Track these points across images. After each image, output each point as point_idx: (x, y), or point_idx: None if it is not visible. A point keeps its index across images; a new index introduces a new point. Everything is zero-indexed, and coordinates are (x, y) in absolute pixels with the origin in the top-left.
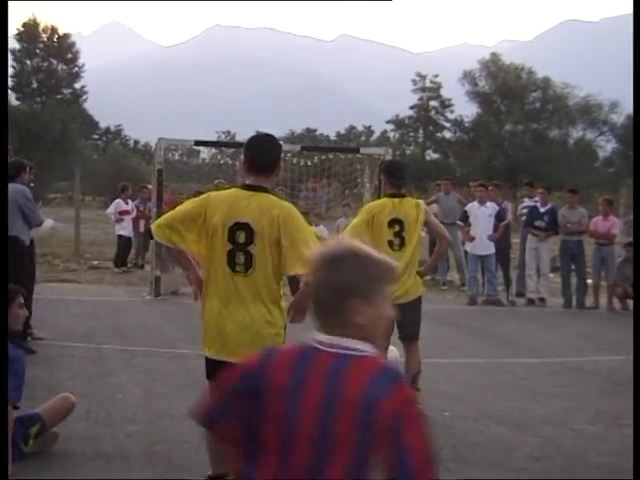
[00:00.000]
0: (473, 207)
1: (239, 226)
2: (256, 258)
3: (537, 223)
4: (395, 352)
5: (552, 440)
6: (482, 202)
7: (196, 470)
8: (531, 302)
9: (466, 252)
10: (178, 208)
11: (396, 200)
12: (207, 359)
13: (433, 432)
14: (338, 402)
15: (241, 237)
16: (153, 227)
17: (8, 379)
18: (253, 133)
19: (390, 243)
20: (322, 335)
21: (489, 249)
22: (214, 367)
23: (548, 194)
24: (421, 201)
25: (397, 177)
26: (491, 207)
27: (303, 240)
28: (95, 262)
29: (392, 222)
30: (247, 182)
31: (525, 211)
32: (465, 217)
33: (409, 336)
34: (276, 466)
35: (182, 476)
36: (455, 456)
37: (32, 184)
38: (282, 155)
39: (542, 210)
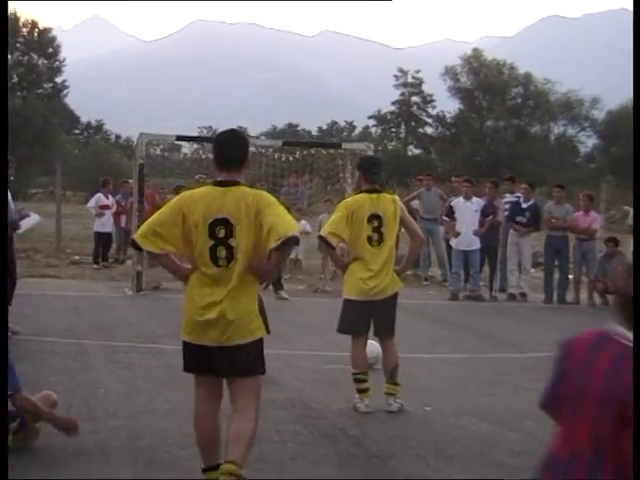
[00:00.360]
0: (459, 202)
1: (218, 222)
2: (237, 250)
3: (518, 219)
4: (377, 347)
5: (534, 435)
6: (468, 197)
7: (179, 466)
8: (512, 297)
9: (449, 247)
10: (155, 215)
11: (374, 196)
12: (186, 344)
13: (414, 427)
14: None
15: (221, 232)
16: (137, 238)
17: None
18: (234, 127)
19: (369, 239)
20: (618, 327)
21: (474, 244)
22: (192, 352)
23: (531, 190)
24: (397, 197)
25: (372, 172)
26: (477, 202)
27: (277, 211)
28: (76, 257)
29: (371, 218)
30: (219, 179)
31: (507, 206)
32: (451, 212)
33: (386, 332)
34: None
35: (164, 472)
36: (436, 451)
37: (12, 178)
38: (264, 150)
39: (524, 206)
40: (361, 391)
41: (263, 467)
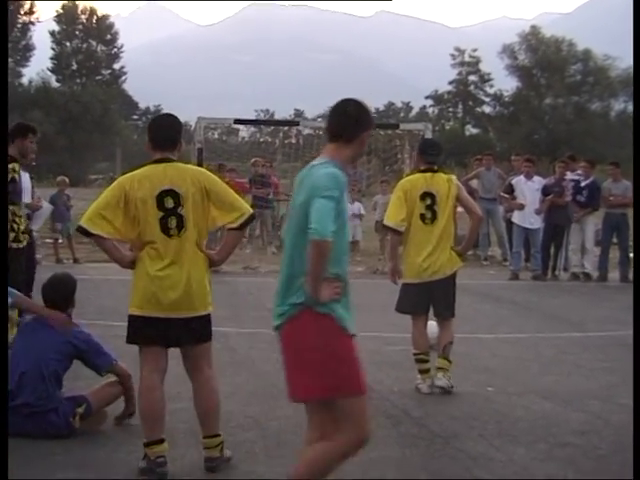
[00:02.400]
0: (520, 181)
1: (165, 193)
2: (186, 219)
3: (577, 198)
4: (435, 327)
5: (598, 415)
6: (529, 176)
7: (241, 448)
8: (575, 277)
9: (509, 227)
10: (98, 199)
11: (428, 175)
12: (137, 317)
13: (477, 408)
14: None
15: (169, 202)
16: (84, 222)
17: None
18: (292, 111)
19: (422, 216)
20: None
21: (536, 223)
22: (151, 325)
23: (591, 168)
24: (453, 176)
25: (429, 154)
26: (538, 181)
27: (227, 193)
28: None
29: (424, 195)
30: (155, 158)
31: (572, 185)
32: (510, 190)
33: (445, 311)
34: None
35: (229, 454)
36: (499, 431)
37: (33, 163)
38: (321, 133)
39: (583, 184)
40: (423, 372)
41: None
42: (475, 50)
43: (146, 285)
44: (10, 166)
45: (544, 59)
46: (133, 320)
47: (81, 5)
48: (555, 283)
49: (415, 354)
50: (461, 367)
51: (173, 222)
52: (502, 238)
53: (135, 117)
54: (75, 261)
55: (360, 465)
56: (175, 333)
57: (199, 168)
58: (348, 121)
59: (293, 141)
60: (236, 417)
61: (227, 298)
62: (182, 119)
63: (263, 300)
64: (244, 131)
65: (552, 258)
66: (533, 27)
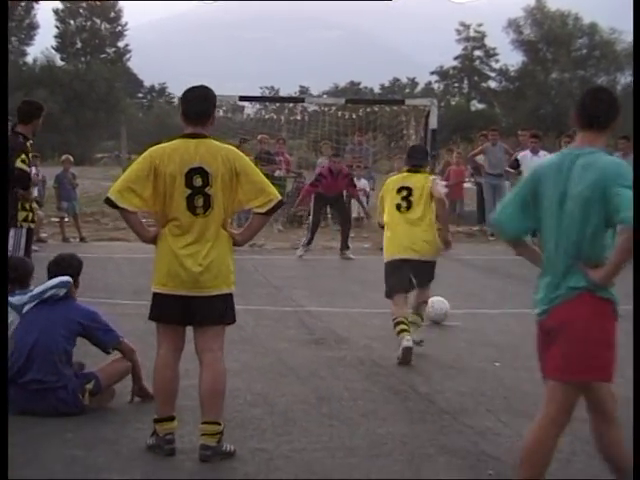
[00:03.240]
0: (525, 156)
1: (194, 171)
2: (213, 198)
3: None
4: (445, 304)
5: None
6: (535, 152)
7: (250, 424)
8: None
9: None
10: (128, 171)
11: (408, 174)
12: (160, 295)
13: (484, 383)
14: None
15: (198, 181)
16: (111, 194)
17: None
18: (297, 88)
19: (398, 206)
20: None
21: None
22: (172, 303)
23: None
24: (432, 176)
25: (415, 157)
26: (544, 156)
27: (257, 176)
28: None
29: (400, 189)
30: (187, 132)
31: None
32: (516, 165)
33: (425, 284)
34: None
35: (236, 431)
36: (507, 407)
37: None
38: (327, 109)
39: None
40: (401, 331)
41: (334, 424)
42: (480, 25)
43: (170, 262)
44: (22, 157)
45: (550, 33)
46: (156, 297)
47: None
48: None
49: (394, 319)
50: (468, 342)
51: (200, 201)
52: None
53: (140, 95)
54: (82, 240)
55: (368, 441)
56: (196, 311)
57: (231, 148)
58: (604, 108)
59: (298, 118)
60: (243, 394)
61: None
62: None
63: (269, 277)
64: (249, 108)
65: None
66: (538, 1)
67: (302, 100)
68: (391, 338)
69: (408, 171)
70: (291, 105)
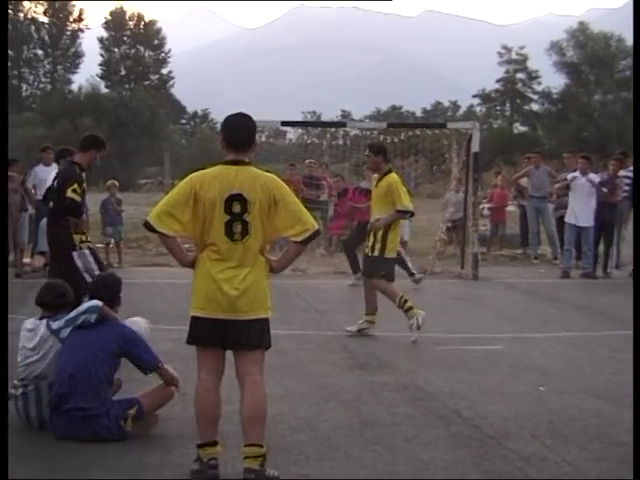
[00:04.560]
0: (577, 177)
1: (233, 198)
2: (251, 225)
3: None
4: None
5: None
6: (584, 173)
7: (291, 451)
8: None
9: (560, 225)
10: (168, 195)
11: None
12: (198, 319)
13: (529, 408)
14: None
15: (236, 207)
16: (151, 219)
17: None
18: (338, 112)
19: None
20: None
21: (589, 221)
22: (210, 327)
23: None
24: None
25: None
26: (594, 178)
27: (295, 205)
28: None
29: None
30: (228, 158)
31: (627, 181)
32: (567, 186)
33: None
34: None
35: (279, 456)
36: (552, 431)
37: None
38: (369, 133)
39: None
40: (409, 309)
41: (377, 449)
42: (522, 48)
43: (207, 286)
44: (74, 186)
45: (593, 55)
46: (194, 321)
47: (129, 11)
48: (607, 281)
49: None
50: (512, 366)
51: (238, 227)
52: (552, 236)
53: (183, 121)
54: (120, 265)
55: (411, 466)
56: (233, 334)
57: (271, 175)
58: None
59: (340, 142)
60: (287, 419)
61: (276, 300)
62: None
63: (312, 302)
64: (291, 133)
65: (603, 256)
66: (581, 23)
67: (344, 125)
68: (434, 363)
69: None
70: (333, 130)
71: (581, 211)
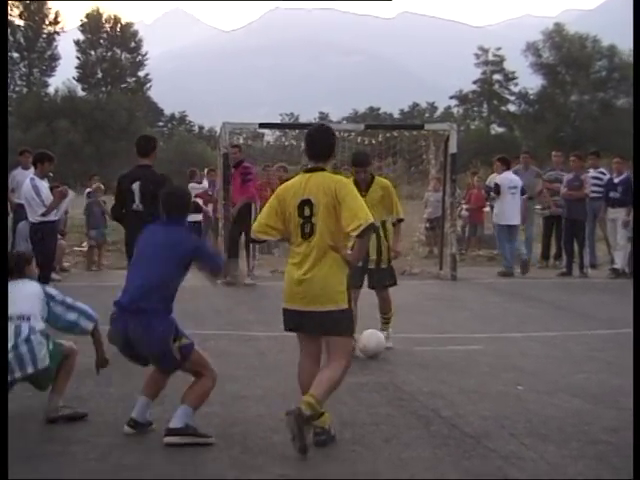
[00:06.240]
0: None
1: (304, 203)
2: (316, 226)
3: (611, 194)
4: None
5: (630, 412)
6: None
7: (271, 452)
8: (616, 273)
9: (549, 223)
10: (263, 210)
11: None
12: (286, 310)
13: (507, 407)
14: None
15: (307, 211)
16: (254, 235)
17: None
18: (317, 114)
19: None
20: None
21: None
22: (291, 317)
23: (624, 163)
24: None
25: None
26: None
27: (353, 203)
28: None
29: None
30: (309, 166)
31: (593, 181)
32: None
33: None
34: None
35: (259, 457)
36: (530, 431)
37: (51, 174)
38: (346, 135)
39: (616, 180)
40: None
41: (357, 449)
42: (499, 49)
43: (288, 284)
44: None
45: (569, 56)
46: (283, 312)
47: (105, 14)
48: (584, 281)
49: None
50: (491, 366)
51: (308, 228)
52: (530, 238)
53: (161, 124)
54: (99, 267)
55: (391, 466)
56: (312, 324)
57: (337, 178)
58: None
59: None
60: (266, 420)
61: (256, 302)
62: (207, 125)
63: None
64: (269, 135)
65: (577, 255)
66: (557, 24)
67: None
68: (413, 363)
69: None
70: None
71: (512, 210)
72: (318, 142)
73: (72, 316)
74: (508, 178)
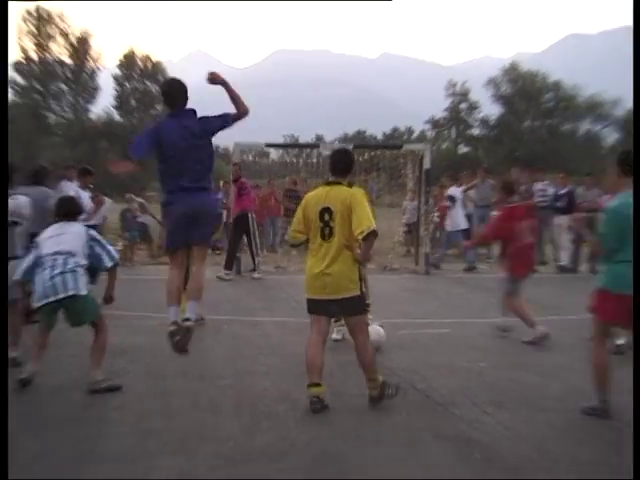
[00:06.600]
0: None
1: (324, 210)
2: (334, 229)
3: (557, 204)
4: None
5: (574, 385)
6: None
7: (276, 417)
8: (561, 269)
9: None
10: (295, 218)
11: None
12: (308, 299)
13: (471, 380)
14: None
15: (326, 217)
16: (290, 240)
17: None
18: (313, 136)
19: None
20: None
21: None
22: (315, 304)
23: (567, 178)
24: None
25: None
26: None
27: (361, 212)
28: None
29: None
30: (330, 179)
31: (540, 193)
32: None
33: None
34: None
35: (264, 422)
36: (490, 400)
37: (91, 185)
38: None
39: (561, 192)
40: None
41: (345, 415)
42: (465, 83)
43: (309, 277)
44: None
45: (522, 89)
46: (307, 301)
47: (139, 54)
48: (535, 276)
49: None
50: (457, 346)
51: (327, 231)
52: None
53: None
54: (132, 263)
55: (375, 429)
56: (333, 308)
57: (352, 191)
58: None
59: (314, 160)
60: (270, 392)
61: (262, 293)
62: (223, 145)
63: (292, 294)
64: (274, 153)
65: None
66: (512, 63)
67: (317, 146)
68: (394, 344)
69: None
70: (308, 150)
71: (460, 217)
72: (339, 161)
73: (100, 252)
74: (457, 190)
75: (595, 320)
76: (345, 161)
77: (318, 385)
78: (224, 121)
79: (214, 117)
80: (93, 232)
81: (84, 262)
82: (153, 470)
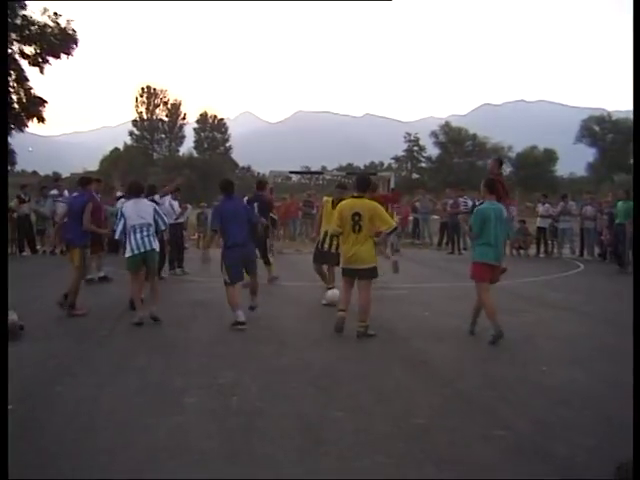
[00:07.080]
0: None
1: (355, 213)
2: (362, 226)
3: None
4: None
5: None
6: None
7: (294, 347)
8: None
9: (444, 226)
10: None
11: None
12: (344, 269)
13: (418, 323)
14: None
15: (356, 218)
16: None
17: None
18: (320, 166)
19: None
20: None
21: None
22: (349, 271)
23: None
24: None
25: (358, 188)
26: (463, 202)
27: (384, 216)
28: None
29: (354, 215)
30: (355, 194)
31: (464, 204)
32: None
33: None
34: None
35: (287, 349)
36: (432, 335)
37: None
38: (337, 177)
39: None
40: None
41: (338, 346)
42: (416, 133)
43: (346, 255)
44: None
45: (453, 138)
46: (342, 270)
47: (209, 113)
48: (459, 256)
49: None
50: (411, 302)
51: (357, 227)
52: (430, 234)
53: (237, 172)
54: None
55: (357, 354)
56: (361, 273)
57: (374, 203)
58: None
59: (320, 182)
60: (293, 329)
61: (288, 266)
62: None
63: (305, 268)
64: (294, 178)
65: (457, 242)
66: (446, 122)
67: (322, 173)
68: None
69: (355, 197)
70: (316, 175)
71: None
72: (361, 182)
73: (158, 220)
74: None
75: (475, 282)
76: (365, 182)
77: (343, 310)
78: (254, 216)
79: (253, 210)
80: (157, 207)
81: (153, 228)
82: (218, 379)
